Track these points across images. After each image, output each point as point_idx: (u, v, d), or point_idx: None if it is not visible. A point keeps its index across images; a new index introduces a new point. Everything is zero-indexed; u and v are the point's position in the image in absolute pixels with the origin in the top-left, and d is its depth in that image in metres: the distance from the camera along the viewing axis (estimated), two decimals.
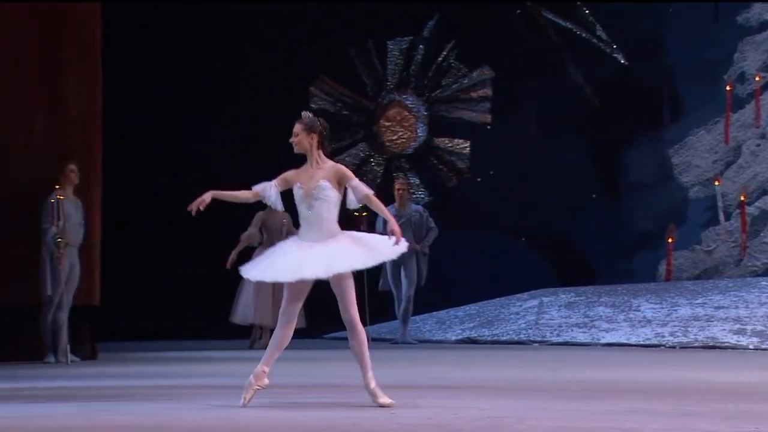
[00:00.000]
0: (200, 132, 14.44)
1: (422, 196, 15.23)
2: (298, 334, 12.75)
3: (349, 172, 6.44)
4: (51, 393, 7.49)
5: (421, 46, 15.51)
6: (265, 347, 12.05)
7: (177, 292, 13.67)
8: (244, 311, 12.20)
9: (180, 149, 14.46)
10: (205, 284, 13.10)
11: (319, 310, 13.09)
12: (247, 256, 12.25)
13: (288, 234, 12.47)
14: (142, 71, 14.23)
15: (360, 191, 6.38)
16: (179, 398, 6.93)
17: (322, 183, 6.35)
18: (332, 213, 6.41)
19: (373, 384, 6.35)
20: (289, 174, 6.47)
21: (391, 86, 15.62)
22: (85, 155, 10.77)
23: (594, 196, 15.47)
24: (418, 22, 15.47)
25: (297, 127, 6.48)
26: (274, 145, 14.81)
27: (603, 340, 12.34)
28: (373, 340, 13.33)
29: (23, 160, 10.57)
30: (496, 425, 5.53)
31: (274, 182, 6.51)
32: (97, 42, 11.06)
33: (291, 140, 6.46)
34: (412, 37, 15.45)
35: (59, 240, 10.12)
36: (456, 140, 15.50)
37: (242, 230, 12.22)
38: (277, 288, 12.20)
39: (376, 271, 13.02)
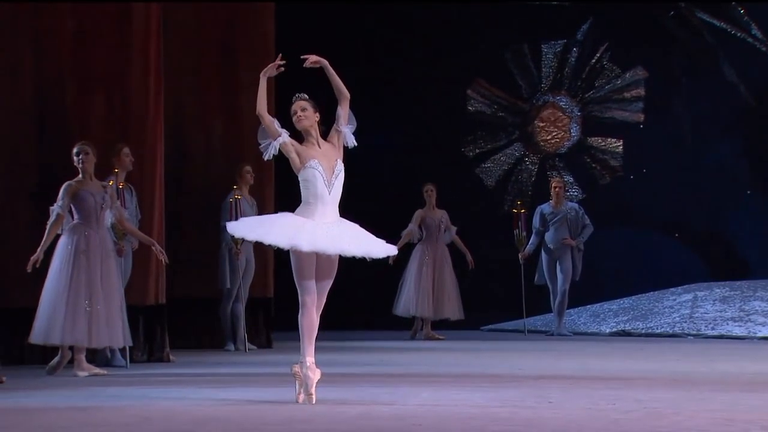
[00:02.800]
0: (363, 133, 14.93)
1: (576, 194, 15.38)
2: (457, 325, 13.26)
3: (337, 127, 6.18)
4: (231, 378, 7.80)
5: (574, 49, 15.59)
6: (425, 339, 12.66)
7: (345, 285, 14.17)
8: (406, 304, 12.64)
9: (345, 150, 14.98)
10: (371, 278, 13.61)
11: (477, 303, 13.56)
12: (407, 252, 12.78)
13: (446, 230, 12.92)
14: (310, 71, 14.65)
15: (341, 111, 6.15)
16: (346, 384, 7.09)
17: (341, 163, 6.19)
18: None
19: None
20: (298, 145, 6.15)
21: (546, 88, 15.80)
22: (259, 156, 11.22)
23: (749, 192, 15.42)
24: (572, 25, 15.64)
25: (303, 103, 6.19)
26: (432, 145, 15.33)
27: (759, 334, 12.28)
28: (529, 332, 13.63)
29: (204, 161, 10.94)
30: (653, 416, 5.55)
31: (286, 135, 6.15)
32: (271, 42, 11.08)
33: (298, 115, 6.12)
34: (566, 40, 15.63)
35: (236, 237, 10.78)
36: (609, 139, 15.54)
37: (402, 227, 12.58)
38: (437, 282, 12.68)
39: (533, 266, 13.33)
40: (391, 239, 12.47)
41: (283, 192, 11.91)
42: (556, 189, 13.20)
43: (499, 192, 15.59)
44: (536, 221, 13.15)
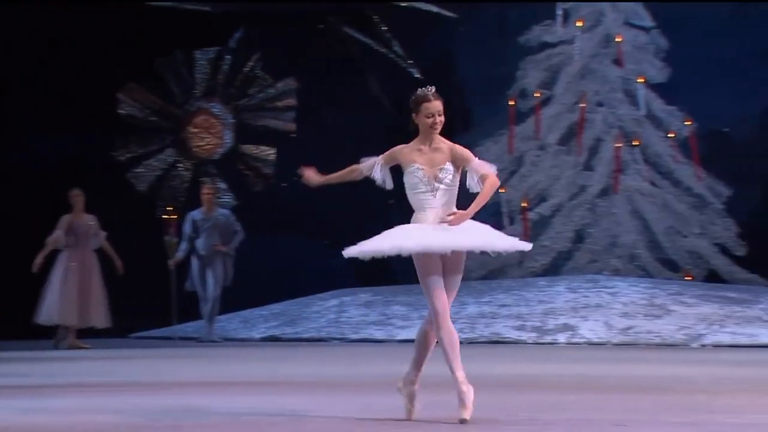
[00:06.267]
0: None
1: (229, 200, 15.53)
2: (103, 333, 12.99)
3: (467, 153, 5.79)
4: None
5: (227, 57, 15.83)
6: (69, 348, 12.30)
7: None
8: (48, 311, 12.28)
9: None
10: (9, 284, 13.11)
11: (126, 310, 13.36)
12: (53, 259, 12.41)
13: (94, 235, 12.64)
14: None
15: (479, 171, 5.75)
16: None
17: (447, 166, 5.78)
18: (454, 199, 5.83)
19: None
20: (399, 151, 5.85)
21: (199, 94, 15.87)
22: None
23: (391, 201, 16.14)
24: (225, 33, 15.81)
25: (441, 105, 5.82)
26: (83, 149, 14.95)
27: (398, 337, 12.88)
28: (180, 339, 13.61)
29: None
30: (295, 420, 5.76)
31: (380, 159, 5.92)
32: None
33: (436, 120, 5.75)
34: (219, 48, 15.83)
35: None
36: (262, 147, 15.83)
37: (48, 233, 12.29)
38: (83, 289, 12.38)
39: (183, 272, 13.33)
40: (36, 246, 12.21)
41: None
42: (207, 195, 13.33)
43: (152, 197, 15.45)
44: (187, 227, 13.19)
